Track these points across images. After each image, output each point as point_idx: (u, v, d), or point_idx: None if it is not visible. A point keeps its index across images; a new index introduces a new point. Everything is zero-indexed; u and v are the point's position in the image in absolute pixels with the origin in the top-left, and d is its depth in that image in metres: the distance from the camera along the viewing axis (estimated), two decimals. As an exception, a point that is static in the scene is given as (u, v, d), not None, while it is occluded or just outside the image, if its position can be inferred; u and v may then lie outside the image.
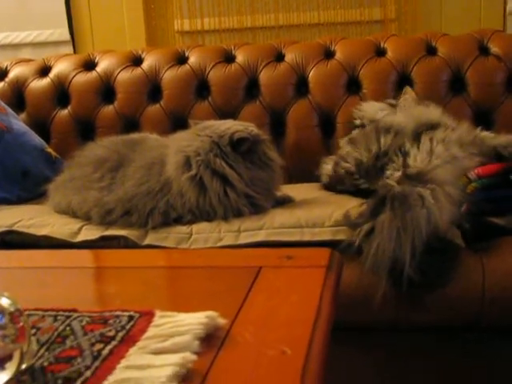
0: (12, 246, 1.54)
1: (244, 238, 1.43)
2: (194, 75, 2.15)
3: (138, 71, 2.20)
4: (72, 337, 0.58)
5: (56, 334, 0.59)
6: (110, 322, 0.60)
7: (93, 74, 2.23)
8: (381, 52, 2.09)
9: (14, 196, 1.92)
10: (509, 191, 1.45)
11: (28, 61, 2.36)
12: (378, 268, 1.28)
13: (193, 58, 2.19)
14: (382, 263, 1.27)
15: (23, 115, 2.24)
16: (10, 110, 2.11)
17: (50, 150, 2.09)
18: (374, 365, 1.41)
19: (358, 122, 1.87)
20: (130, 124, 2.17)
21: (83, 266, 0.94)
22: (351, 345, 1.39)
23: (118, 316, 0.61)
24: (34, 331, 0.60)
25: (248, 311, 0.63)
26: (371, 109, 1.86)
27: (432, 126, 1.62)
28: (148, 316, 0.61)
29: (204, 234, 1.46)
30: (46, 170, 2.02)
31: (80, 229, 1.54)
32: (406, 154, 1.54)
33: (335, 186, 1.72)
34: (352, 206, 1.47)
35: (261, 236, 1.42)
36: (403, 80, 2.03)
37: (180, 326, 0.57)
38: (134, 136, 1.78)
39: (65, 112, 2.23)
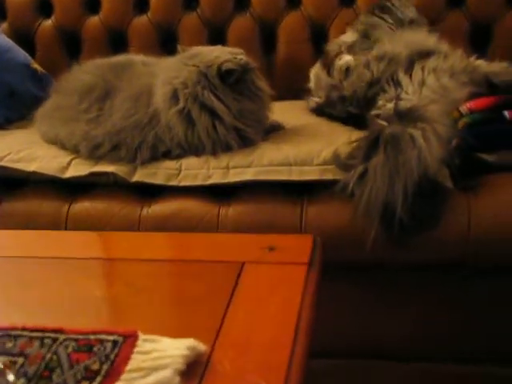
0: (1, 181, 1.55)
1: (233, 176, 1.42)
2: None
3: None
4: (58, 370, 0.59)
5: (43, 364, 0.61)
6: (95, 349, 0.62)
7: (76, -18, 2.13)
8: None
9: (1, 118, 1.88)
10: (501, 126, 1.42)
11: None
12: (371, 212, 1.28)
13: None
14: (374, 207, 1.28)
15: (5, 25, 2.16)
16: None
17: (35, 65, 2.02)
18: (362, 300, 1.45)
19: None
20: (117, 37, 2.10)
21: (72, 256, 0.94)
22: (339, 281, 1.42)
23: (102, 341, 0.62)
24: (22, 360, 0.62)
25: (228, 331, 0.64)
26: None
27: (427, 53, 1.56)
28: (131, 339, 0.62)
29: (193, 171, 1.46)
30: (32, 88, 1.97)
31: (69, 163, 1.52)
32: (397, 85, 1.50)
33: (326, 109, 1.69)
34: (341, 141, 1.45)
35: (249, 174, 1.42)
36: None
37: (162, 358, 0.59)
38: (120, 59, 1.72)
39: (48, 23, 2.14)
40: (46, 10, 2.14)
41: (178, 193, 1.45)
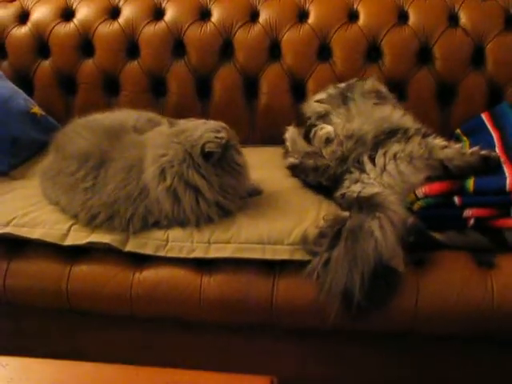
0: (8, 242, 1.73)
1: (214, 252, 1.61)
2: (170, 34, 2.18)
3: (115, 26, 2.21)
4: None
5: None
6: None
7: (71, 26, 2.24)
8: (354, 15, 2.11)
9: (5, 166, 2.04)
10: (451, 211, 1.60)
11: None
12: (333, 296, 1.49)
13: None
14: (335, 292, 1.48)
15: (6, 64, 2.29)
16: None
17: (35, 109, 2.16)
18: (323, 357, 1.67)
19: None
20: (110, 80, 2.24)
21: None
22: (302, 343, 1.65)
23: None
24: None
25: None
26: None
27: (392, 132, 1.72)
28: None
29: (179, 243, 1.64)
30: (33, 133, 2.13)
31: (69, 229, 1.70)
32: (362, 168, 1.67)
33: (299, 174, 1.86)
34: (311, 218, 1.64)
35: (228, 251, 1.61)
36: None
37: None
38: (114, 124, 1.86)
39: (46, 64, 2.27)
40: (44, 52, 2.26)
41: (166, 261, 1.64)
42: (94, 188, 1.72)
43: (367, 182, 1.65)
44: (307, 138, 1.90)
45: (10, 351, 1.36)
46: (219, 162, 1.66)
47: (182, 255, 1.63)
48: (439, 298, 1.53)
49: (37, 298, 1.70)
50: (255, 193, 1.82)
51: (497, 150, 1.78)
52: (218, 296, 1.60)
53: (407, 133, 1.73)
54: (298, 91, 2.14)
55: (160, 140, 1.73)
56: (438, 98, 2.07)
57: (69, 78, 2.26)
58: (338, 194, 1.69)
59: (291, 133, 1.99)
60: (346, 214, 1.57)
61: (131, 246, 1.66)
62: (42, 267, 1.70)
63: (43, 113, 2.18)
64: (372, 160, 1.68)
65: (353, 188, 1.66)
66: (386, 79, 2.06)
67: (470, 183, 1.60)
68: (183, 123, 1.74)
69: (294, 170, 1.89)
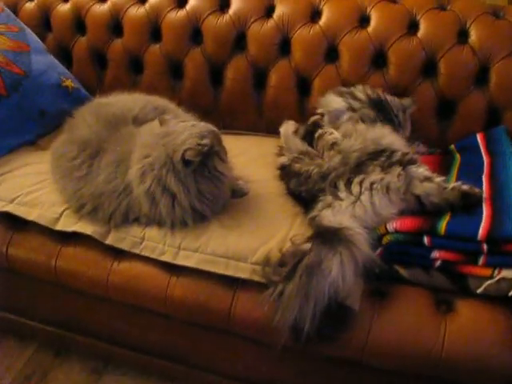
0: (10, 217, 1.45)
1: (181, 258, 1.29)
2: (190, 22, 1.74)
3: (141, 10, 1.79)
4: None
5: None
6: None
7: (104, 8, 1.84)
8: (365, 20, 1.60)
9: (33, 135, 1.73)
10: (419, 250, 1.19)
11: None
12: (283, 325, 1.13)
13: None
14: (284, 325, 1.13)
15: (50, 37, 1.94)
16: (34, 44, 1.79)
17: (67, 82, 1.81)
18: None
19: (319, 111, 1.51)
20: (135, 60, 1.85)
21: None
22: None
23: None
24: None
25: None
26: (335, 105, 1.49)
27: (376, 153, 1.29)
28: None
29: (152, 243, 1.32)
30: (64, 105, 1.77)
31: (61, 214, 1.41)
32: (336, 194, 1.26)
33: (284, 177, 1.46)
34: (280, 237, 1.27)
35: (193, 261, 1.27)
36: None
37: None
38: (118, 112, 1.48)
39: (83, 40, 1.90)
40: (81, 29, 1.89)
41: (141, 257, 1.32)
42: (86, 177, 1.40)
43: (338, 210, 1.24)
44: (308, 136, 1.49)
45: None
46: (200, 168, 1.30)
47: (154, 256, 1.31)
48: (391, 335, 1.16)
49: (31, 269, 1.43)
50: (240, 194, 1.45)
51: (483, 178, 1.33)
52: (181, 298, 1.29)
53: (391, 157, 1.29)
54: (304, 88, 1.69)
55: (148, 139, 1.36)
56: (438, 112, 1.58)
57: (100, 55, 1.89)
58: (310, 215, 1.29)
59: (286, 128, 1.57)
60: (308, 246, 1.17)
61: (111, 240, 1.35)
62: (38, 243, 1.42)
63: (76, 85, 1.84)
64: (348, 185, 1.26)
65: (323, 213, 1.26)
66: (389, 87, 1.57)
67: (442, 225, 1.17)
68: (173, 124, 1.36)
69: (282, 171, 1.48)
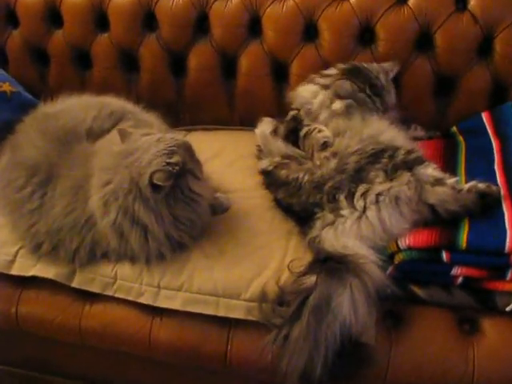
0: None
1: (163, 300, 1.10)
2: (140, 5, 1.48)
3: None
4: None
5: None
6: None
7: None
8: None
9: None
10: (437, 267, 1.03)
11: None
12: (290, 374, 0.97)
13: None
14: (293, 372, 0.96)
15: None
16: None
17: (4, 87, 1.54)
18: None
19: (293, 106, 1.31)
20: (81, 54, 1.58)
21: None
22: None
23: None
24: None
25: None
26: (305, 94, 1.29)
27: (376, 154, 1.11)
28: None
29: (127, 283, 1.13)
30: (2, 114, 1.51)
31: (16, 254, 1.20)
32: (336, 209, 1.08)
33: (270, 185, 1.26)
34: (274, 266, 1.09)
35: (178, 302, 1.08)
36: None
37: None
38: (68, 126, 1.25)
39: (16, 33, 1.62)
40: (12, 21, 1.61)
41: (116, 298, 1.14)
42: (40, 210, 1.18)
43: (342, 231, 1.06)
44: (291, 135, 1.29)
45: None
46: (172, 190, 1.09)
47: (130, 298, 1.12)
48: (413, 369, 1.01)
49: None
50: (220, 210, 1.26)
51: (496, 167, 1.17)
52: (168, 341, 1.11)
53: (394, 157, 1.11)
54: (280, 74, 1.47)
55: (107, 160, 1.14)
56: (436, 90, 1.38)
57: (39, 50, 1.62)
58: (308, 236, 1.10)
59: (262, 129, 1.35)
60: (311, 279, 1.00)
61: (78, 282, 1.15)
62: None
63: (15, 89, 1.57)
64: (350, 198, 1.08)
65: (324, 234, 1.07)
66: (379, 66, 1.37)
67: (463, 237, 1.01)
68: (135, 139, 1.14)
69: (266, 178, 1.29)
